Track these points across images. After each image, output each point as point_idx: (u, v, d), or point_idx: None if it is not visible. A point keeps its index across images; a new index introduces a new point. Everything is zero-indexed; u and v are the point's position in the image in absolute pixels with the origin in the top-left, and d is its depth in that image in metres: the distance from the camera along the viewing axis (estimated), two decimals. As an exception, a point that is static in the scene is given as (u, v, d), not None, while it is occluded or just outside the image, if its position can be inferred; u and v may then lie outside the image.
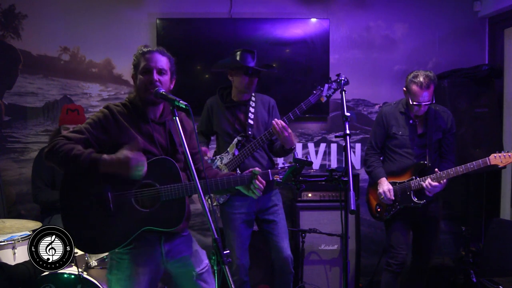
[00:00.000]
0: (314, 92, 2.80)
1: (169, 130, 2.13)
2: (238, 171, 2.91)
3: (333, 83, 2.75)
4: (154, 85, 2.01)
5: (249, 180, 2.09)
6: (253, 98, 3.02)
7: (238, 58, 2.90)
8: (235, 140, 2.93)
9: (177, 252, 2.11)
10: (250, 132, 2.93)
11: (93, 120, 2.02)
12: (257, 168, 2.10)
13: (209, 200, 2.76)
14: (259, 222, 3.07)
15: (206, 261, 2.17)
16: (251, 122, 2.96)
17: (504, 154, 2.75)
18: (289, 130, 2.73)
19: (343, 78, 2.47)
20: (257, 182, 2.07)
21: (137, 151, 1.93)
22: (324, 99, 2.77)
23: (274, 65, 3.84)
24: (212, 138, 3.24)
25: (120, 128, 2.01)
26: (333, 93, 2.77)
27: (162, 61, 2.07)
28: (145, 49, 2.09)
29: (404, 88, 3.03)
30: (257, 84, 2.97)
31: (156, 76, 2.03)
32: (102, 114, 2.04)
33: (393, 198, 3.01)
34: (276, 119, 2.75)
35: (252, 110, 2.98)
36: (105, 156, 1.91)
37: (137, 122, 2.06)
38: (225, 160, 2.95)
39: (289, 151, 2.87)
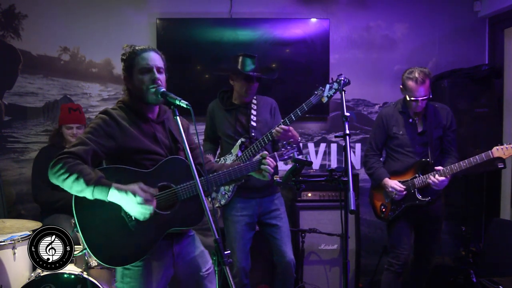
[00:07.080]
0: (316, 92, 2.82)
1: (169, 128, 2.11)
2: None
3: (334, 83, 2.76)
4: (157, 84, 1.96)
5: (258, 164, 2.16)
6: (254, 101, 3.06)
7: (239, 64, 2.93)
8: (239, 141, 2.96)
9: (186, 253, 2.11)
10: (253, 134, 2.97)
11: (93, 128, 1.91)
12: (265, 152, 2.20)
13: (210, 199, 2.76)
14: (261, 225, 3.07)
15: (211, 261, 2.16)
16: (254, 124, 2.99)
17: (507, 146, 2.76)
18: (291, 128, 2.80)
19: (343, 78, 2.49)
20: (267, 160, 2.15)
21: (151, 192, 1.87)
22: (325, 100, 2.78)
23: (273, 65, 3.84)
24: None
25: (124, 131, 1.94)
26: (334, 93, 2.78)
27: (159, 60, 2.03)
28: (138, 48, 2.01)
29: (401, 86, 3.04)
30: (257, 88, 3.02)
31: (158, 75, 1.98)
32: (101, 121, 1.93)
33: (404, 188, 2.98)
34: (277, 128, 2.79)
35: (254, 112, 3.02)
36: (115, 184, 1.82)
37: (138, 124, 2.01)
38: (228, 162, 2.98)
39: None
